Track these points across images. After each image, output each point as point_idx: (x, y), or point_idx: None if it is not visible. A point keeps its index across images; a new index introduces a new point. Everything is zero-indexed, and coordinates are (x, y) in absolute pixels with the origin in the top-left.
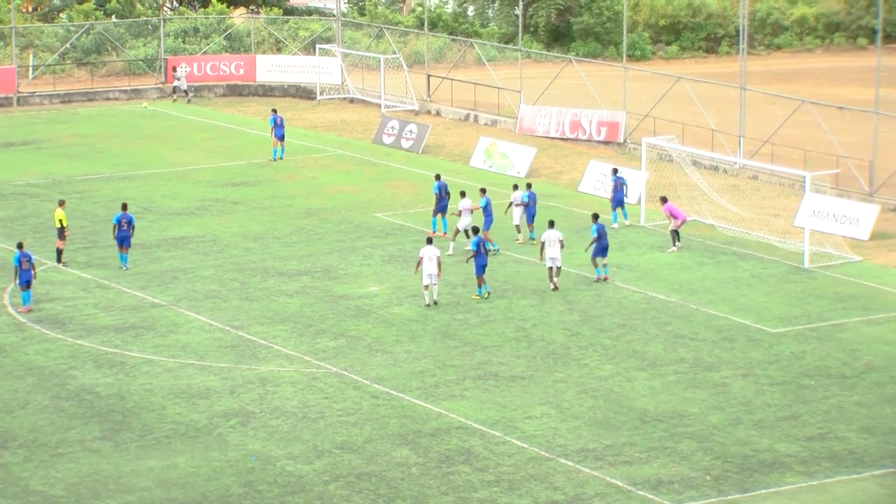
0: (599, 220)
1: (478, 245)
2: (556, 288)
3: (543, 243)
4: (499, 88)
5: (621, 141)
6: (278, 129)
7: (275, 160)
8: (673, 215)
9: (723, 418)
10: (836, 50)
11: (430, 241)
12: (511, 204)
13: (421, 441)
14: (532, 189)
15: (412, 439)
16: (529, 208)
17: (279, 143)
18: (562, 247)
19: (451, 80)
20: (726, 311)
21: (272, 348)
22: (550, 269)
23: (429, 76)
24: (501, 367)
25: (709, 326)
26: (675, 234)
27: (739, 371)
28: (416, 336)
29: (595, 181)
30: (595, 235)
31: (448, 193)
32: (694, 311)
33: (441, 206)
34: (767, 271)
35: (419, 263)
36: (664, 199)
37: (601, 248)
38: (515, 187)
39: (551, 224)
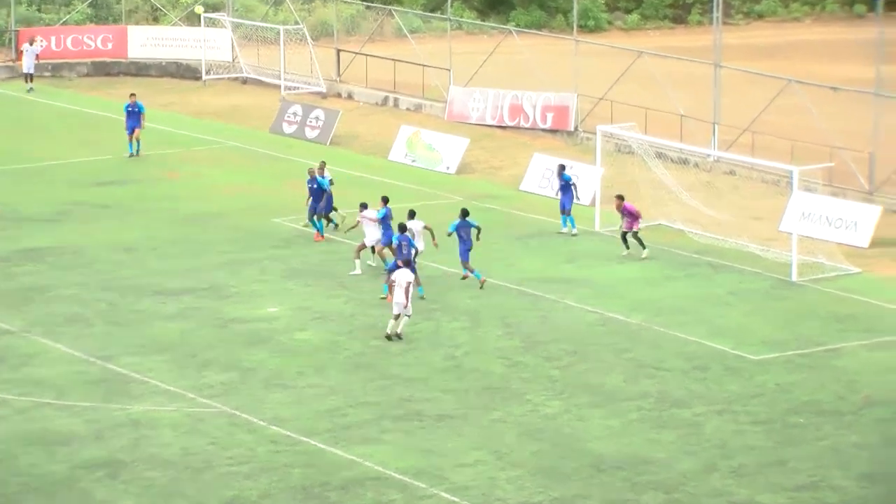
0: (468, 218)
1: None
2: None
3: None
4: (424, 66)
5: (572, 129)
6: (132, 118)
7: (134, 155)
8: (631, 215)
9: (695, 464)
10: (829, 19)
11: (407, 263)
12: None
13: (330, 496)
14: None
15: (319, 493)
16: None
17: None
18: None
19: (366, 56)
20: (699, 334)
21: (148, 383)
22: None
23: (338, 51)
24: (427, 405)
25: (678, 353)
26: (639, 239)
27: (715, 407)
28: (323, 368)
29: (540, 178)
30: (452, 230)
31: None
32: (660, 334)
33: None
34: (748, 286)
35: (391, 289)
36: (621, 198)
37: (466, 250)
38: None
39: (412, 214)
